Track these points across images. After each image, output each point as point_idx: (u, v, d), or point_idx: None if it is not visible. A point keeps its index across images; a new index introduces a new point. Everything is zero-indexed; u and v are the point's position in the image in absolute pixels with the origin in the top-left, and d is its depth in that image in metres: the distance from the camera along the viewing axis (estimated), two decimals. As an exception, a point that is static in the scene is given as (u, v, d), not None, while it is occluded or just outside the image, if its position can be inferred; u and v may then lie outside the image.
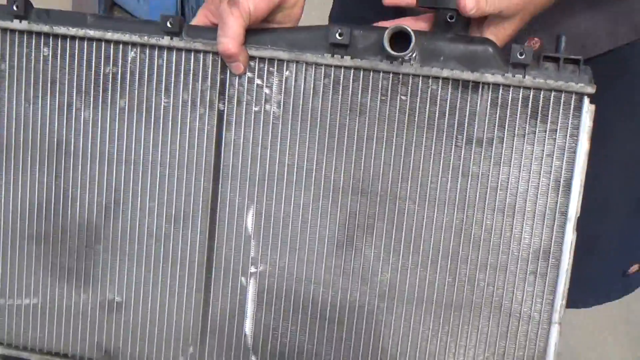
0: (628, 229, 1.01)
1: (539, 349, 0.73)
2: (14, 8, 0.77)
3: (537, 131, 0.70)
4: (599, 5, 0.86)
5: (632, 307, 1.94)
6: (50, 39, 0.78)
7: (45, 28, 0.77)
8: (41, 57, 0.79)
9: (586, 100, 0.69)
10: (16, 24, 0.78)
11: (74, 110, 0.79)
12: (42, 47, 0.78)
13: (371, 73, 0.72)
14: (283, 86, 0.74)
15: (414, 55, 0.70)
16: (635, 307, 1.95)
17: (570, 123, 0.69)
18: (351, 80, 0.73)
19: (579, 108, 0.69)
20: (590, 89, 0.68)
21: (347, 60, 0.72)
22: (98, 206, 0.80)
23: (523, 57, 0.68)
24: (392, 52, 0.68)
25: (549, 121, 0.70)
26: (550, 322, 0.72)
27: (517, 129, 0.70)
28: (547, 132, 0.70)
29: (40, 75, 0.79)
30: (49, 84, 0.79)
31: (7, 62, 0.79)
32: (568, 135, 0.70)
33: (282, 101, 0.75)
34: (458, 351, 0.75)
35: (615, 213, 0.86)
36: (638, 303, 1.91)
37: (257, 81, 0.75)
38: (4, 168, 0.81)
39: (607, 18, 0.87)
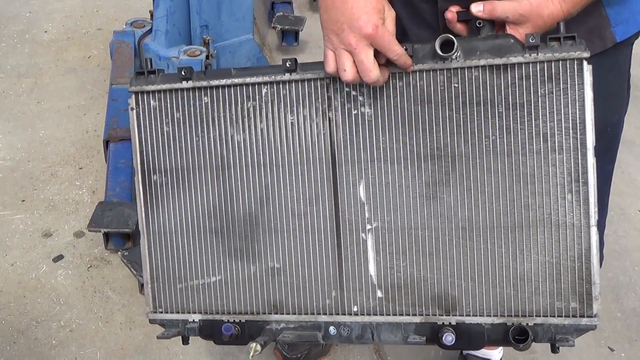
0: None
1: (585, 248, 0.99)
2: (182, 73, 1.13)
3: (554, 90, 0.98)
4: (580, 20, 1.08)
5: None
6: (208, 90, 1.13)
7: (205, 83, 1.13)
8: (203, 104, 1.14)
9: (584, 62, 0.97)
10: (184, 84, 1.14)
11: (229, 137, 1.13)
12: (203, 96, 1.14)
13: (430, 72, 1.03)
14: (371, 93, 1.06)
15: (458, 53, 1.01)
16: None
17: (576, 80, 0.97)
18: (417, 80, 1.04)
19: (581, 69, 0.97)
20: (586, 54, 0.96)
21: (413, 66, 1.03)
22: (254, 201, 1.13)
23: (534, 40, 0.97)
24: (443, 54, 0.99)
25: (561, 82, 0.98)
26: (590, 226, 0.98)
27: (539, 91, 0.99)
28: (562, 90, 0.98)
29: (204, 116, 1.14)
30: (210, 121, 1.14)
31: (180, 111, 1.15)
32: (577, 89, 0.97)
33: (372, 104, 1.06)
34: (524, 258, 1.01)
35: None
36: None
37: (353, 93, 1.07)
38: (186, 184, 1.16)
39: (585, 31, 1.12)
